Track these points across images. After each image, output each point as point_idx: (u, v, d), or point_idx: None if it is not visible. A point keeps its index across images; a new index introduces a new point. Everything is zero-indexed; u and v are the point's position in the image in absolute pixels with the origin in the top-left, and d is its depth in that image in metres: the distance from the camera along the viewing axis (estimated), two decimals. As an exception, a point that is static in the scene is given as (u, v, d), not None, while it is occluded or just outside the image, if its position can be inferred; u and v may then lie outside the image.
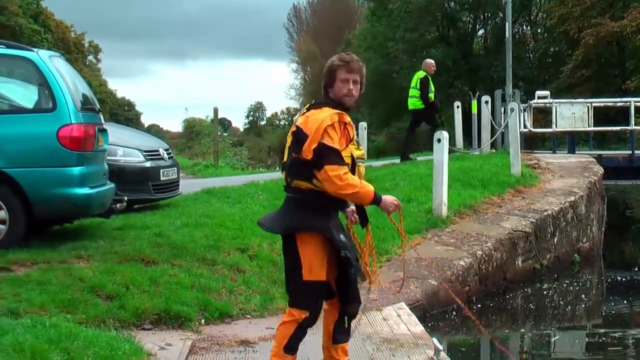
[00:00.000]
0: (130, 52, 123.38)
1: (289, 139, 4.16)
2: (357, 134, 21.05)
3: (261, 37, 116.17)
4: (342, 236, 4.11)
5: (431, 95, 14.37)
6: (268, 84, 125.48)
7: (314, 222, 4.05)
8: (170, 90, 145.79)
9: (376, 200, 4.08)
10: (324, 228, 4.05)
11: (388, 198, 4.16)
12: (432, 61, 15.04)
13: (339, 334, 4.28)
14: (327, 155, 3.93)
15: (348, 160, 4.05)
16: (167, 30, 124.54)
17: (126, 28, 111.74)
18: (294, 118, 4.30)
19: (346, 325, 4.32)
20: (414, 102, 14.58)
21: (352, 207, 4.39)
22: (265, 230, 4.30)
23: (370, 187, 4.07)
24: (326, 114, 4.01)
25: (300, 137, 4.02)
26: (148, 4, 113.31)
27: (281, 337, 4.14)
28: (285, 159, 4.21)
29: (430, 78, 14.41)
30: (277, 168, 26.44)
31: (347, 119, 4.08)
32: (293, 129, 4.11)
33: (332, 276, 4.21)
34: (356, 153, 4.17)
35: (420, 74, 14.51)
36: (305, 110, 4.17)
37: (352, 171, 4.09)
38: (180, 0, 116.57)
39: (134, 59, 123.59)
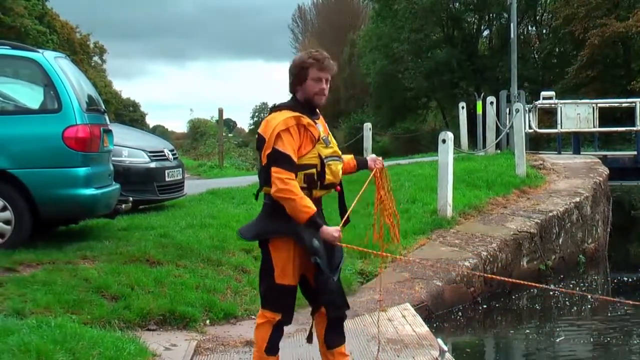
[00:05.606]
0: (129, 52, 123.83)
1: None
2: (362, 135, 20.88)
3: (260, 38, 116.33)
4: (315, 240, 3.98)
5: None
6: (273, 84, 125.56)
7: (283, 227, 3.99)
8: (172, 91, 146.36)
9: (313, 223, 3.91)
10: (293, 232, 3.98)
11: (329, 229, 3.99)
12: None
13: (330, 340, 4.22)
14: (275, 159, 3.91)
15: (315, 161, 3.98)
16: (165, 30, 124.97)
17: (124, 28, 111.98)
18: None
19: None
20: None
21: (373, 156, 4.46)
22: (242, 240, 4.29)
23: (312, 207, 3.89)
24: (281, 119, 3.96)
25: (260, 143, 4.00)
26: (146, 4, 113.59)
27: (261, 340, 4.12)
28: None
29: None
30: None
31: (306, 120, 3.98)
32: (257, 135, 4.08)
33: (312, 274, 4.14)
34: (325, 152, 4.03)
35: None
36: (267, 114, 4.14)
37: (322, 171, 4.01)
38: (177, 0, 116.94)
39: (133, 59, 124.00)
